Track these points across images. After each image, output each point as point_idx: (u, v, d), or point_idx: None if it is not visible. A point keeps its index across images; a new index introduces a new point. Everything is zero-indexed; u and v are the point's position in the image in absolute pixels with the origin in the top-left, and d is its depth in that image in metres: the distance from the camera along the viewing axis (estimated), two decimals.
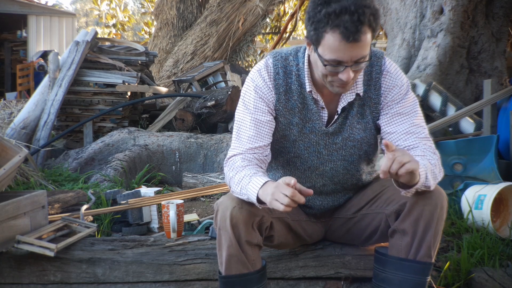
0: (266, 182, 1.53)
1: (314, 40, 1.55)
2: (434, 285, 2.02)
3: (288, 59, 1.75)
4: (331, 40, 1.49)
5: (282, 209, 1.44)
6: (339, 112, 1.74)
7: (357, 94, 1.72)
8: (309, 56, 1.72)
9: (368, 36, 1.50)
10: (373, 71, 1.73)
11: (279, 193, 1.45)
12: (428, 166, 1.57)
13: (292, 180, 1.46)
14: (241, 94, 1.77)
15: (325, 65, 1.55)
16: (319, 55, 1.56)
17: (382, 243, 1.83)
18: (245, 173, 1.62)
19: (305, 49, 1.74)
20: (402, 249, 1.65)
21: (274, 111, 1.74)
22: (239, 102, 1.77)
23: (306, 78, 1.71)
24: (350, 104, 1.73)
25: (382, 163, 1.43)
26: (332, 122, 1.75)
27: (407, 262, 1.64)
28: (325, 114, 1.75)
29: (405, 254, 1.64)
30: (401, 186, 1.57)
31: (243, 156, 1.70)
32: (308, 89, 1.71)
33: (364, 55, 1.53)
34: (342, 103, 1.72)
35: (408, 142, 1.69)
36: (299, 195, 1.44)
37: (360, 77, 1.72)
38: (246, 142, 1.71)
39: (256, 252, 1.65)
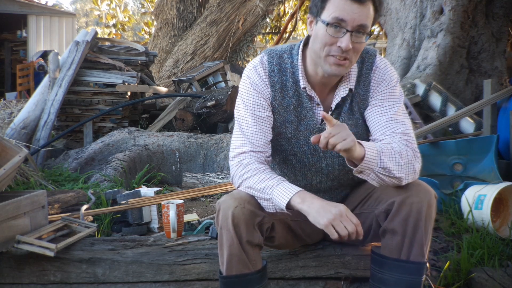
0: (300, 191, 1.59)
1: (319, 6, 1.60)
2: (433, 285, 2.02)
3: (283, 56, 1.76)
4: (337, 0, 1.56)
5: (344, 234, 1.51)
6: (333, 109, 1.75)
7: (350, 90, 1.74)
8: (303, 53, 1.73)
9: (371, 8, 1.58)
10: (363, 67, 1.75)
11: (347, 220, 1.51)
12: (385, 149, 1.57)
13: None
14: (239, 91, 1.78)
15: (327, 25, 1.57)
16: (322, 21, 1.59)
17: (378, 242, 1.83)
18: (268, 175, 1.63)
19: (299, 46, 1.75)
20: (393, 248, 1.64)
21: (271, 107, 1.75)
22: (238, 100, 1.78)
23: (300, 75, 1.72)
24: (343, 100, 1.75)
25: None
26: None
27: (401, 262, 1.63)
28: (320, 111, 1.76)
29: (397, 254, 1.64)
30: (352, 164, 1.58)
31: (257, 156, 1.70)
32: (302, 86, 1.72)
33: (365, 23, 1.58)
34: (336, 100, 1.74)
35: (382, 135, 1.68)
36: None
37: (354, 72, 1.73)
38: (252, 138, 1.71)
39: (257, 252, 1.65)
